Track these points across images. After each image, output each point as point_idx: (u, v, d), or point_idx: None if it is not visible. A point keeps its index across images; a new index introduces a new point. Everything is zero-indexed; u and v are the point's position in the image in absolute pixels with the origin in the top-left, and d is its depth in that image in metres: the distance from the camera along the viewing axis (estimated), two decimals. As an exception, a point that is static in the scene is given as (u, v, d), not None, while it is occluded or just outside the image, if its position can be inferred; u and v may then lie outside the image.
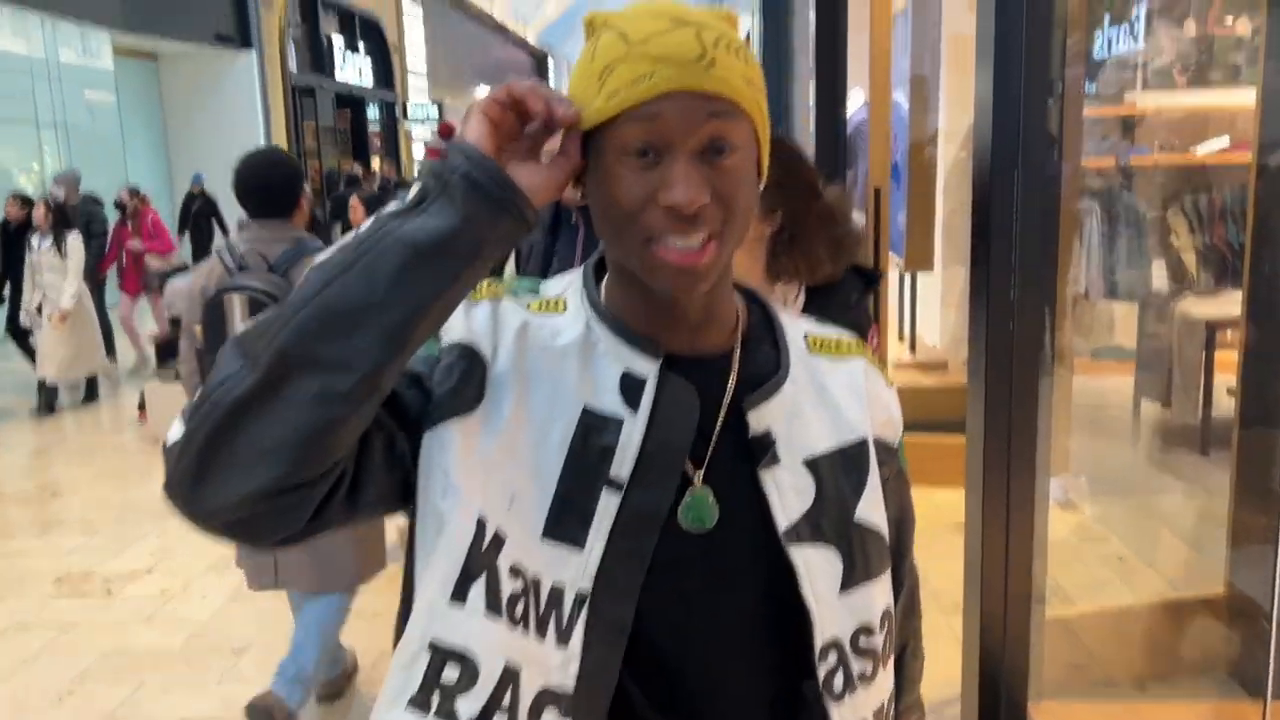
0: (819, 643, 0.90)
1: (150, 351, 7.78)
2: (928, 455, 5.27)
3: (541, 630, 0.85)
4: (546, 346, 0.90)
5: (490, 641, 0.85)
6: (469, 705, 0.84)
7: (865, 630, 0.92)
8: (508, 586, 0.85)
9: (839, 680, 0.91)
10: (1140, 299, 4.52)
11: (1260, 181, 2.90)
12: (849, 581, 0.91)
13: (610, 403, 0.88)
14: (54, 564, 4.56)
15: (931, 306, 6.60)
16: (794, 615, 0.90)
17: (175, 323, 7.09)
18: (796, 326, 0.99)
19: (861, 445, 0.95)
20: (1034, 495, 2.39)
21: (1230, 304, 3.99)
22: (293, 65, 15.85)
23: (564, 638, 0.85)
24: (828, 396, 0.95)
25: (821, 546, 0.90)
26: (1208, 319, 4.05)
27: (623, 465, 0.87)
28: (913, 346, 6.56)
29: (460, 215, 0.77)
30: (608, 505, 0.86)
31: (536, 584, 0.86)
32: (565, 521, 0.86)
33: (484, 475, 0.86)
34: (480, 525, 0.85)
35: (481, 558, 0.85)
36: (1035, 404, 2.35)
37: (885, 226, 5.09)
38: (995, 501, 2.39)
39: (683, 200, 0.81)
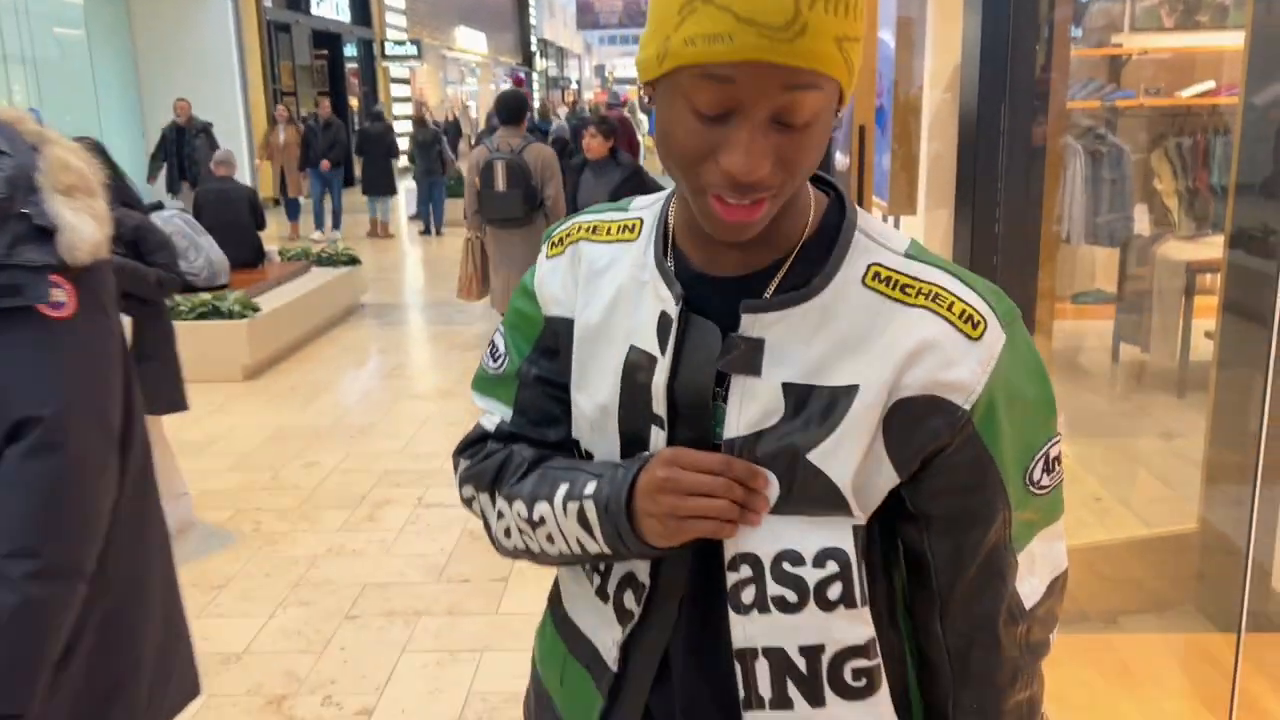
0: (729, 552, 0.92)
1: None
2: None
3: None
4: (609, 287, 0.97)
5: None
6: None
7: (790, 558, 0.90)
8: None
9: (748, 594, 0.91)
10: (1122, 243, 4.52)
11: (1245, 125, 2.89)
12: (782, 507, 0.90)
13: (648, 341, 0.94)
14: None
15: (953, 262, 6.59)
16: None
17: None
18: (870, 254, 0.91)
19: (850, 392, 0.88)
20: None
21: (1211, 247, 4.00)
22: (268, 0, 15.52)
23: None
24: (851, 334, 0.88)
25: (759, 467, 0.90)
26: (1188, 262, 4.06)
27: (659, 404, 0.93)
28: (894, 290, 6.55)
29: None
30: (658, 438, 0.94)
31: None
32: (631, 448, 0.96)
33: (575, 410, 1.01)
34: (575, 443, 1.03)
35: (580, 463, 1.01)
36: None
37: (870, 167, 5.06)
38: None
39: (741, 170, 0.80)
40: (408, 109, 19.10)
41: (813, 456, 0.88)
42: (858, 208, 0.93)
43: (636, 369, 0.94)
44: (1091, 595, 2.89)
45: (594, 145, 6.05)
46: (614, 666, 1.01)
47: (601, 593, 1.02)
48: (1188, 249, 4.20)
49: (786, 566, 0.90)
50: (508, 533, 1.04)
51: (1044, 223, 2.97)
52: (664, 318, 0.93)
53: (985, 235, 2.29)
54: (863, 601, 0.92)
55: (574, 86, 38.72)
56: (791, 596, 0.91)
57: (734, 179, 0.81)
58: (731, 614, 0.92)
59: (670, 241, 0.97)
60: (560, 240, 1.03)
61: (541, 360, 1.03)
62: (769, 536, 0.91)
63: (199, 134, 10.56)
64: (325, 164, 11.81)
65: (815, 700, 0.93)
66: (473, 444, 1.08)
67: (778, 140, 0.80)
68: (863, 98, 5.05)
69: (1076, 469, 3.80)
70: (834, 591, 0.91)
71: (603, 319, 0.97)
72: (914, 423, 0.88)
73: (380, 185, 12.49)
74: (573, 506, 0.96)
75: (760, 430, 0.89)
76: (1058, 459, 0.94)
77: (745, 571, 0.91)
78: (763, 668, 0.93)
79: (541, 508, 0.99)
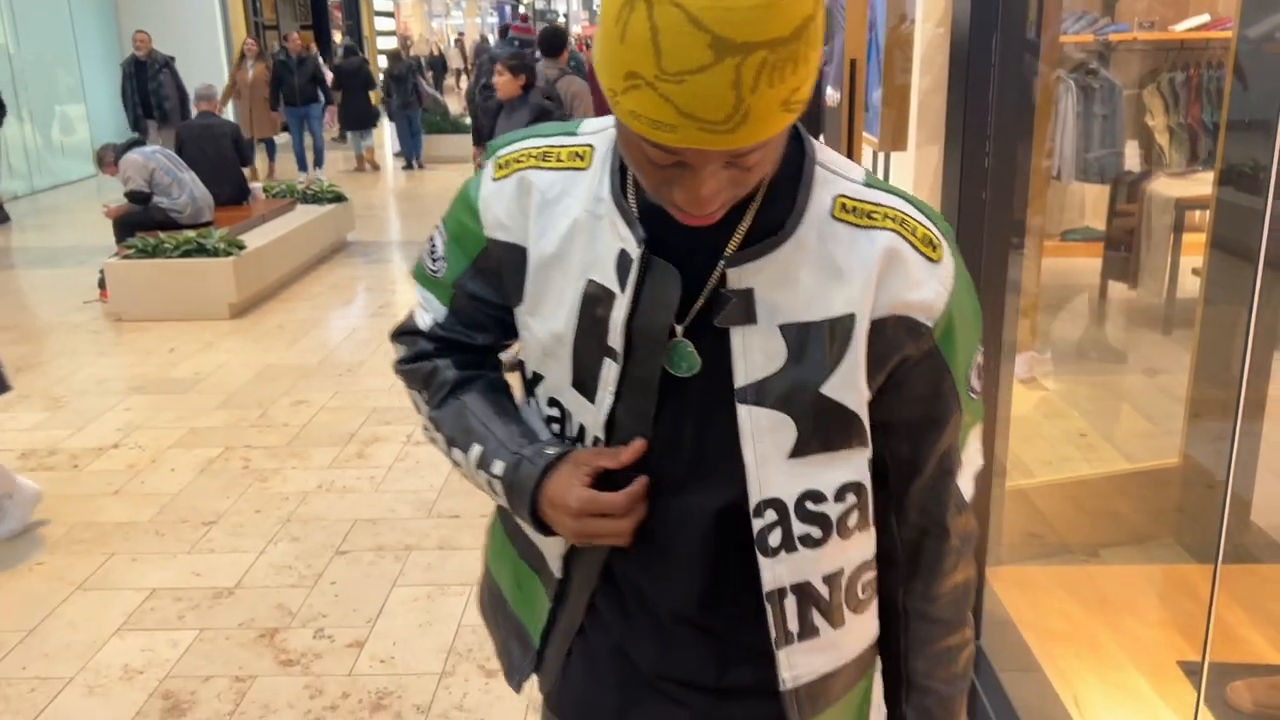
0: (754, 499, 0.94)
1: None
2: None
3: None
4: (563, 218, 0.97)
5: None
6: None
7: (813, 496, 0.94)
8: (545, 410, 1.05)
9: (774, 537, 0.94)
10: (1112, 179, 4.50)
11: (1238, 60, 2.86)
12: (802, 449, 0.93)
13: (607, 277, 0.95)
14: (18, 439, 4.53)
15: (904, 187, 6.57)
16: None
17: (131, 196, 6.93)
18: (832, 186, 0.93)
19: (849, 321, 0.91)
20: (999, 370, 2.41)
21: (1201, 184, 3.99)
22: (248, -70, 15.15)
23: None
24: (831, 266, 0.91)
25: (774, 411, 0.92)
26: (1178, 198, 4.05)
27: (615, 338, 0.95)
28: (883, 228, 6.53)
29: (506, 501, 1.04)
30: (609, 371, 0.96)
31: (570, 416, 1.02)
32: (583, 377, 0.99)
33: (525, 333, 1.03)
34: (522, 365, 1.06)
35: (527, 385, 1.07)
36: (1004, 274, 2.35)
37: (860, 103, 5.01)
38: (961, 374, 2.40)
39: (695, 209, 0.83)
40: (393, 43, 18.77)
41: (826, 390, 0.91)
42: (809, 137, 0.95)
43: (595, 301, 0.95)
44: (1073, 528, 2.94)
45: (503, 84, 5.58)
46: (558, 574, 1.08)
47: None
48: (1177, 185, 4.18)
49: (810, 505, 0.94)
50: (432, 440, 1.12)
51: (1034, 158, 2.96)
52: (623, 255, 0.94)
53: (975, 171, 2.28)
54: (872, 521, 0.99)
55: (561, 19, 38.07)
56: (816, 533, 0.95)
57: (685, 211, 0.84)
58: (760, 558, 0.95)
59: (626, 169, 0.96)
60: (507, 164, 1.01)
61: (479, 279, 1.05)
62: (792, 479, 0.93)
63: (161, 69, 10.17)
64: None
65: (836, 622, 0.98)
66: (407, 334, 1.13)
67: (730, 174, 0.82)
68: (854, 32, 4.99)
69: (1062, 405, 3.83)
70: (852, 519, 0.96)
71: (558, 250, 0.97)
72: (886, 342, 0.92)
73: (359, 119, 12.38)
74: (482, 476, 1.04)
75: (769, 375, 0.91)
76: (981, 365, 1.02)
77: (770, 516, 0.94)
78: (791, 604, 0.96)
79: (456, 454, 1.07)
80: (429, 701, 2.64)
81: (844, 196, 0.92)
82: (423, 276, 1.11)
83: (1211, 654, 1.63)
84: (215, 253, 6.42)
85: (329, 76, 12.18)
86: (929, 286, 0.92)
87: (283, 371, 5.40)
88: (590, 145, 0.99)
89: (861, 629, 1.01)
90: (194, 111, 7.73)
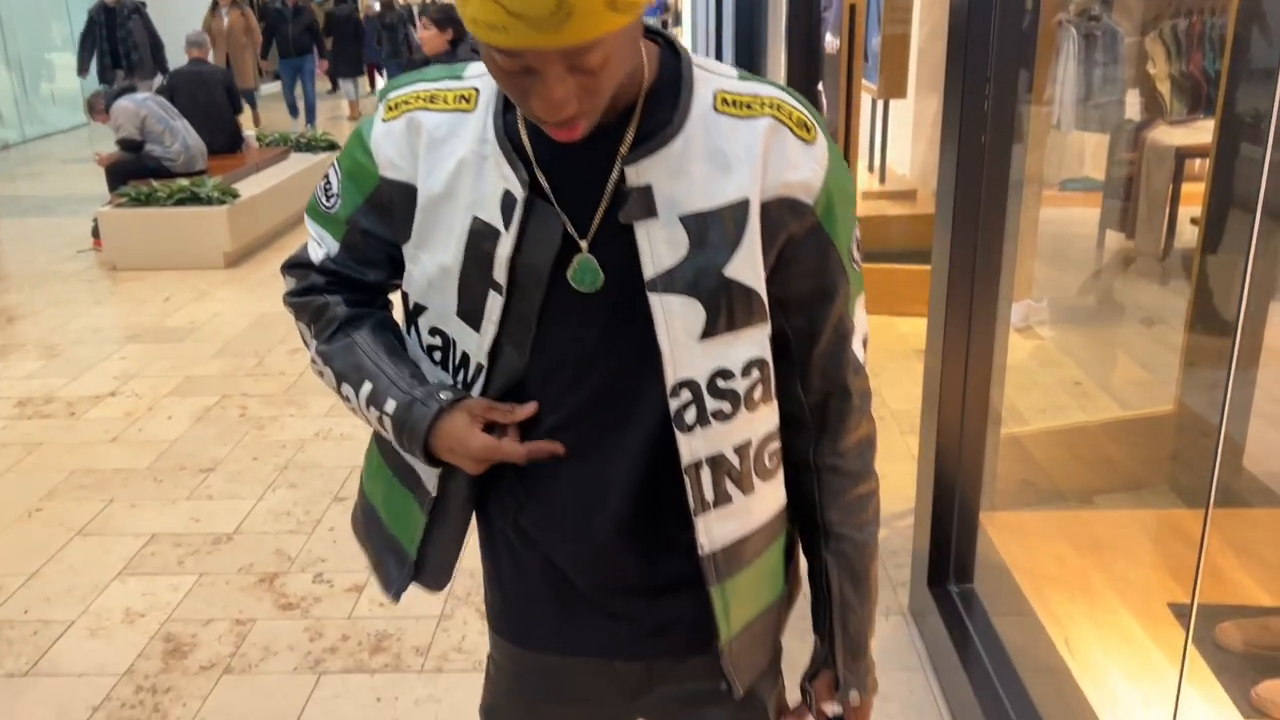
0: (670, 381, 1.00)
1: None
2: (893, 284, 5.31)
3: (454, 375, 1.09)
4: (450, 158, 1.01)
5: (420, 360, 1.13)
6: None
7: (723, 374, 1.01)
8: (427, 340, 1.10)
9: (690, 415, 1.01)
10: (1112, 128, 4.47)
11: (1241, 5, 2.83)
12: (711, 330, 0.99)
13: (492, 215, 0.99)
14: (14, 388, 4.53)
15: (903, 136, 6.51)
16: (657, 356, 1.00)
17: (123, 144, 6.87)
18: (711, 83, 0.99)
19: (743, 206, 0.97)
20: (995, 318, 2.42)
21: (1201, 133, 3.96)
22: None
23: (468, 388, 1.07)
24: (719, 156, 0.97)
25: (684, 296, 0.98)
26: (1178, 147, 4.03)
27: (500, 273, 1.00)
28: (882, 177, 6.50)
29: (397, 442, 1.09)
30: (494, 303, 1.02)
31: (454, 343, 1.07)
32: (468, 307, 1.03)
33: (412, 266, 1.07)
34: (405, 296, 1.10)
35: (409, 316, 1.11)
36: (1003, 220, 2.34)
37: (860, 49, 4.96)
38: (957, 321, 2.41)
39: (549, 115, 0.86)
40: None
41: (729, 271, 0.98)
42: (683, 46, 1.00)
43: (481, 237, 1.00)
44: (1068, 475, 2.96)
45: (429, 38, 5.36)
46: (433, 491, 1.13)
47: None
48: (1177, 134, 4.15)
49: (720, 383, 1.01)
50: (320, 374, 1.16)
51: (1034, 105, 2.93)
52: (508, 195, 0.98)
53: (974, 119, 2.26)
54: (774, 394, 1.07)
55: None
56: (727, 408, 1.02)
57: (545, 120, 0.87)
58: (678, 435, 1.01)
59: (508, 103, 1.01)
60: (396, 105, 1.05)
61: (372, 215, 1.08)
62: (704, 359, 1.00)
63: (131, 15, 9.70)
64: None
65: (747, 489, 1.06)
66: (298, 266, 1.16)
67: (579, 80, 0.85)
68: (854, -25, 4.92)
69: (1057, 354, 3.84)
70: (757, 393, 1.03)
71: (446, 187, 1.01)
72: (772, 222, 0.99)
73: (349, 67, 12.29)
74: (373, 413, 1.09)
75: (674, 264, 0.97)
76: (860, 239, 1.09)
77: (685, 396, 1.00)
78: (706, 475, 1.03)
79: (346, 389, 1.11)
80: (428, 644, 2.67)
81: (723, 91, 0.99)
82: (316, 212, 1.14)
83: (1201, 596, 1.65)
84: (209, 201, 6.38)
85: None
86: (807, 167, 0.99)
87: (278, 320, 5.39)
88: (475, 88, 1.03)
89: (770, 496, 1.09)
90: (185, 60, 7.61)
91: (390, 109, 1.05)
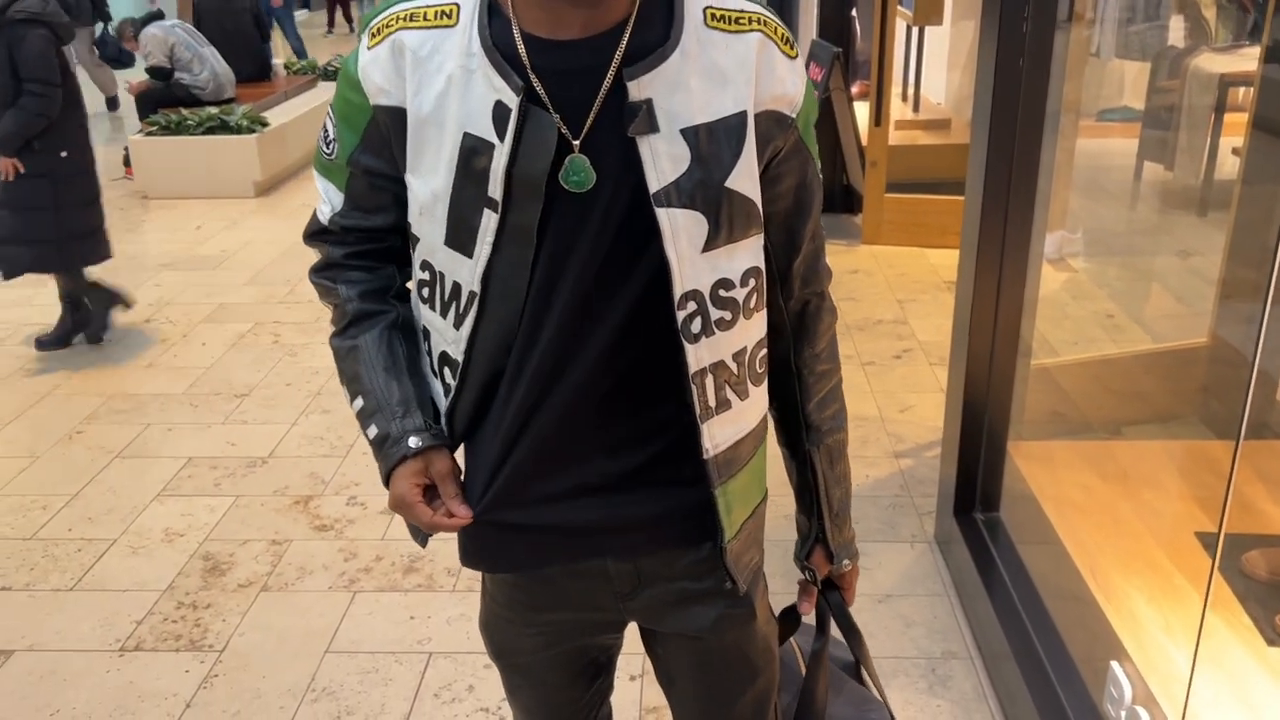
0: (677, 293, 1.02)
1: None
2: (925, 214, 5.25)
3: (444, 313, 1.08)
4: (437, 75, 1.00)
5: (415, 305, 1.15)
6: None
7: (724, 284, 1.04)
8: (417, 275, 1.10)
9: (696, 324, 1.04)
10: (1153, 55, 4.36)
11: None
12: (713, 242, 1.02)
13: (484, 129, 0.99)
14: (50, 314, 4.60)
15: (938, 64, 6.39)
16: (661, 269, 1.02)
17: (153, 72, 6.86)
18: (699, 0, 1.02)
19: (740, 118, 1.00)
20: (1028, 250, 2.39)
21: (1246, 60, 3.85)
22: None
23: (459, 323, 1.07)
24: (715, 70, 1.00)
25: (688, 210, 1.00)
26: (1221, 74, 3.93)
27: (495, 188, 0.99)
28: (916, 105, 6.39)
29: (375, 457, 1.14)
30: (488, 221, 1.01)
31: (442, 276, 1.07)
32: (459, 232, 1.03)
33: (409, 195, 1.07)
34: (407, 228, 1.10)
35: (412, 249, 1.11)
36: (1039, 150, 2.31)
37: (895, -26, 4.84)
38: (989, 252, 2.39)
39: None
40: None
41: (730, 183, 1.01)
42: None
43: (473, 154, 0.99)
44: (1097, 406, 2.95)
45: None
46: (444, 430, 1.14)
47: (431, 369, 1.15)
48: (1221, 61, 4.05)
49: (722, 292, 1.04)
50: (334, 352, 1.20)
51: (1073, 31, 2.86)
52: (500, 106, 0.98)
53: (1012, 42, 2.21)
54: (765, 302, 1.12)
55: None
56: (728, 316, 1.06)
57: None
58: (685, 345, 1.04)
59: (492, 13, 1.00)
60: (379, 31, 1.04)
61: (369, 152, 1.08)
62: (707, 270, 1.03)
63: None
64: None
65: (742, 395, 1.10)
66: (315, 235, 1.17)
67: None
68: (891, -104, 4.79)
69: (1090, 286, 3.80)
70: (753, 301, 1.08)
71: (435, 106, 1.01)
72: (762, 136, 1.03)
73: None
74: (359, 422, 1.15)
75: (677, 177, 0.99)
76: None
77: (691, 307, 1.03)
78: (710, 382, 1.07)
79: (343, 390, 1.17)
80: (459, 565, 2.73)
81: (711, 7, 1.01)
82: (320, 164, 1.14)
83: (1229, 526, 1.66)
84: (239, 129, 6.38)
85: None
86: (791, 81, 1.04)
87: (308, 249, 5.40)
88: (455, 3, 1.02)
89: (759, 400, 1.14)
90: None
91: (373, 35, 1.04)
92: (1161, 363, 3.02)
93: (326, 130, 1.12)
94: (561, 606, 1.20)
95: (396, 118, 1.03)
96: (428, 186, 1.03)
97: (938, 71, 6.36)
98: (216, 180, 6.40)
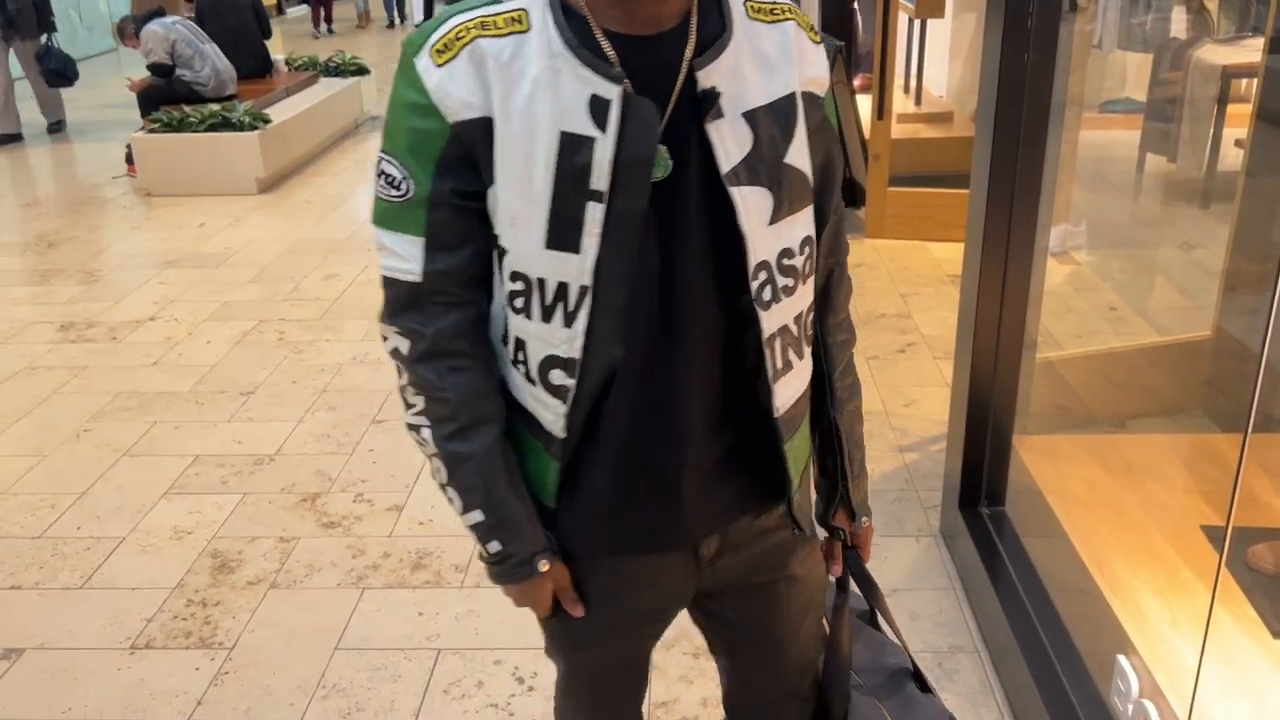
0: (752, 264, 1.09)
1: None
2: (928, 208, 5.25)
3: (548, 317, 1.08)
4: (521, 80, 1.02)
5: (503, 315, 1.13)
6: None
7: (787, 253, 1.12)
8: (508, 286, 1.09)
9: (767, 293, 1.11)
10: (1156, 47, 4.36)
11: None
12: (777, 214, 1.10)
13: (581, 124, 1.01)
14: (56, 312, 4.61)
15: (940, 57, 6.38)
16: (733, 244, 1.08)
17: (154, 70, 6.86)
18: None
19: (790, 99, 1.10)
20: (1033, 244, 2.40)
21: (1249, 51, 3.85)
22: None
23: (569, 321, 1.07)
24: (763, 58, 1.09)
25: (756, 187, 1.08)
26: (1225, 66, 3.92)
27: (600, 179, 1.02)
28: (918, 99, 6.38)
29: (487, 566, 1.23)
30: (594, 213, 1.03)
31: (542, 283, 1.06)
32: (563, 231, 1.04)
33: (494, 206, 1.06)
34: (495, 239, 1.09)
35: (499, 260, 1.10)
36: (1044, 143, 2.31)
37: (897, -33, 4.83)
38: (994, 246, 2.39)
39: None
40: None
41: (789, 159, 1.10)
42: None
43: (573, 150, 1.01)
44: (1102, 400, 2.96)
45: None
46: (561, 434, 1.14)
47: (529, 378, 1.13)
48: (1224, 52, 4.04)
49: (785, 261, 1.12)
50: (420, 444, 1.17)
51: (1076, 24, 2.86)
52: (595, 99, 1.01)
53: (1017, 34, 2.22)
54: (815, 268, 1.20)
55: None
56: (791, 283, 1.13)
57: None
58: (760, 312, 1.11)
59: (567, 14, 1.03)
60: (447, 46, 1.02)
61: (450, 173, 1.04)
62: (773, 241, 1.10)
63: None
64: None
65: (800, 355, 1.19)
66: (406, 307, 1.10)
67: None
68: (893, -111, 4.78)
69: (1093, 279, 3.80)
70: (808, 267, 1.16)
71: (524, 111, 1.01)
72: (803, 115, 1.12)
73: None
74: (475, 534, 1.18)
75: (744, 157, 1.06)
76: None
77: (763, 276, 1.10)
78: (778, 345, 1.15)
79: (452, 494, 1.17)
80: (467, 561, 2.74)
81: (750, 1, 1.11)
82: (387, 215, 1.07)
83: (1235, 519, 1.67)
84: (240, 126, 6.38)
85: None
86: (820, 64, 1.15)
87: (312, 246, 5.42)
88: (523, 9, 1.03)
89: (809, 362, 1.22)
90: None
91: (439, 52, 1.01)
92: (1166, 356, 3.03)
93: (390, 175, 1.06)
94: (647, 587, 1.24)
95: (483, 129, 1.02)
96: (521, 194, 1.03)
97: (940, 64, 6.36)
98: (219, 177, 6.40)
